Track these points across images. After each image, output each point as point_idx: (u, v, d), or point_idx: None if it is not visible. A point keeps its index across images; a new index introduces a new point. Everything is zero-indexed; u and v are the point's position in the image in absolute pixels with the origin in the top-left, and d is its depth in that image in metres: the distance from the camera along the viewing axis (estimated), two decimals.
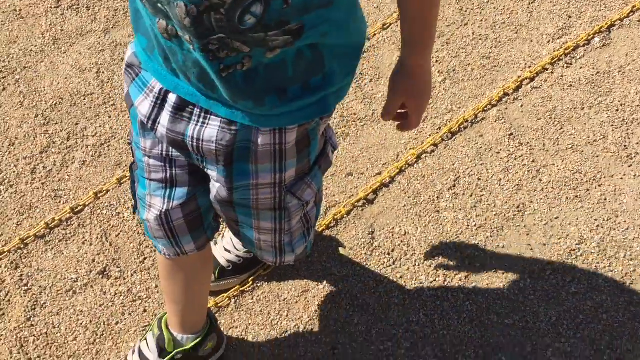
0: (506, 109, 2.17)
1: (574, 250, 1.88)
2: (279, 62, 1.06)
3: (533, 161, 2.06)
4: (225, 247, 1.78)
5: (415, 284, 1.83)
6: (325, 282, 1.82)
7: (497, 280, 1.83)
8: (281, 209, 1.30)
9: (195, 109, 1.16)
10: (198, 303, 1.56)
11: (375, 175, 2.02)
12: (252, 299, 1.79)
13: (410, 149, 2.07)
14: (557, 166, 2.05)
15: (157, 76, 1.16)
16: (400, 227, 1.92)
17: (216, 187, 1.26)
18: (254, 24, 0.97)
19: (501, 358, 1.71)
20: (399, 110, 1.29)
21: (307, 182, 1.30)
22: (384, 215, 1.94)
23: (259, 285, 1.81)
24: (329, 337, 1.73)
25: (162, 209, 1.31)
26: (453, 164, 2.05)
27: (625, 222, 1.92)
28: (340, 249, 1.87)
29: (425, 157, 2.06)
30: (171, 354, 1.56)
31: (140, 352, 1.60)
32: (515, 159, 2.07)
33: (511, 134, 2.11)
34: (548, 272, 1.85)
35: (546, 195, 1.99)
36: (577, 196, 1.99)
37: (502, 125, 2.13)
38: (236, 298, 1.78)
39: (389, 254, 1.88)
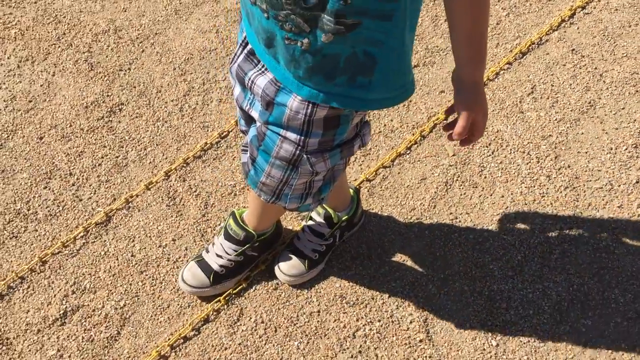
0: (565, 32, 2.54)
1: None
2: (334, 55, 1.22)
3: (595, 68, 2.42)
4: (217, 253, 1.89)
5: (513, 166, 2.18)
6: (438, 169, 2.17)
7: (581, 157, 2.18)
8: (294, 167, 1.47)
9: (260, 61, 1.40)
10: (338, 192, 1.85)
11: None
12: (381, 188, 2.14)
13: (490, 69, 2.44)
14: (617, 70, 2.41)
15: (246, 27, 1.41)
16: (492, 126, 2.28)
17: (257, 126, 1.48)
18: (316, 2, 1.14)
19: None
20: (449, 122, 1.43)
21: (325, 157, 1.45)
22: None
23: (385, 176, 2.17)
24: (447, 209, 2.08)
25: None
26: (528, 77, 2.42)
27: None
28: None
29: (503, 73, 2.43)
30: (338, 223, 1.92)
31: (310, 228, 1.93)
32: (579, 68, 2.43)
33: (573, 50, 2.48)
34: (623, 148, 2.20)
35: (611, 93, 2.35)
36: (637, 91, 2.35)
37: (564, 44, 2.50)
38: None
39: (487, 146, 2.23)
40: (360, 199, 1.99)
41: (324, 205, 1.91)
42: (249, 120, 1.56)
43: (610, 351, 1.79)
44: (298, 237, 1.95)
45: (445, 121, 2.16)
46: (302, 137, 1.40)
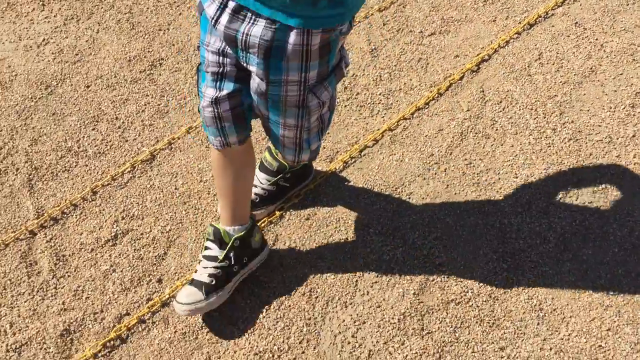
0: (569, 7, 2.77)
1: (639, 92, 2.46)
2: None
3: (596, 39, 2.65)
4: (253, 183, 1.99)
5: (522, 121, 2.39)
6: (454, 122, 2.39)
7: (583, 114, 2.40)
8: (303, 107, 1.59)
9: (248, 13, 1.46)
10: (243, 198, 1.87)
11: (476, 55, 2.61)
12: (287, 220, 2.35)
13: (500, 37, 2.66)
14: (615, 42, 2.64)
15: None
16: (503, 86, 2.50)
17: (256, 81, 1.56)
18: None
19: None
20: None
21: (325, 86, 1.61)
22: (488, 79, 2.52)
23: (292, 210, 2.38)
24: (462, 156, 2.29)
25: (213, 96, 1.62)
26: (535, 45, 2.64)
27: None
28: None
29: (512, 41, 2.66)
30: (230, 243, 1.86)
31: (205, 255, 1.87)
32: (582, 39, 2.66)
33: (576, 23, 2.71)
34: (621, 107, 2.42)
35: (611, 60, 2.57)
36: (634, 59, 2.57)
37: (567, 18, 2.73)
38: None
39: (498, 104, 2.45)
40: (258, 227, 1.95)
41: (213, 223, 1.89)
42: (237, 79, 1.62)
43: (608, 275, 2.00)
44: (195, 270, 1.90)
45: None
46: (303, 72, 1.52)
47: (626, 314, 1.92)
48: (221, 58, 1.59)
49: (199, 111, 1.85)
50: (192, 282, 1.86)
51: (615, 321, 1.90)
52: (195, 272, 1.89)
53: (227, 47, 1.56)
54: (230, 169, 1.81)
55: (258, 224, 2.04)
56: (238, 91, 1.63)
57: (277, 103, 1.60)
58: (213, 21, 1.52)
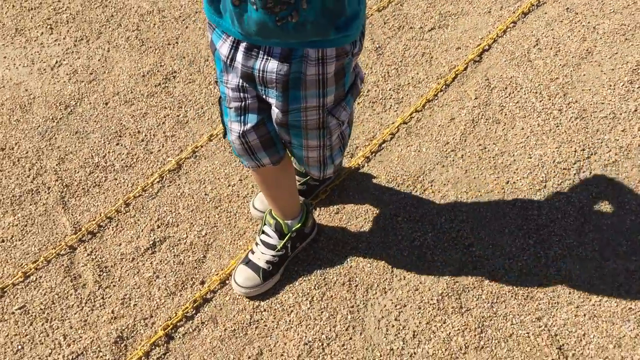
0: None
1: (635, 69, 2.58)
2: (315, 21, 1.39)
3: (588, 22, 2.78)
4: (262, 251, 2.04)
5: (528, 104, 2.50)
6: (464, 110, 2.49)
7: (586, 94, 2.52)
8: (324, 127, 1.65)
9: (261, 50, 1.49)
10: (290, 197, 1.97)
11: (477, 46, 2.72)
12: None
13: (497, 27, 2.78)
14: (607, 23, 2.77)
15: (228, 32, 1.50)
16: (506, 73, 2.61)
17: (275, 112, 1.60)
18: None
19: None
20: None
21: (343, 106, 1.65)
22: (491, 68, 2.63)
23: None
24: (476, 142, 2.39)
25: (240, 130, 1.67)
26: (531, 32, 2.76)
27: None
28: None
29: (509, 30, 2.77)
30: (288, 234, 2.01)
31: (263, 241, 2.02)
32: (575, 23, 2.78)
33: (567, 8, 2.83)
34: (620, 84, 2.54)
35: (605, 41, 2.70)
36: (627, 39, 2.70)
37: (559, 4, 2.86)
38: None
39: (504, 90, 2.56)
40: (310, 211, 2.08)
41: (274, 215, 2.01)
42: (259, 110, 1.66)
43: (629, 242, 2.11)
44: (252, 251, 2.05)
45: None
46: (320, 98, 1.57)
47: None
48: (242, 94, 1.63)
49: (228, 140, 1.92)
50: (249, 264, 2.01)
51: None
52: (252, 253, 2.03)
53: (245, 82, 1.60)
54: (270, 180, 1.89)
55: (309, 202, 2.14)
56: (262, 121, 1.67)
57: (298, 129, 1.65)
58: (228, 60, 1.56)
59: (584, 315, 1.96)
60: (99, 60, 2.70)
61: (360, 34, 1.56)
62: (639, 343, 1.91)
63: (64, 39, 2.78)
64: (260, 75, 1.53)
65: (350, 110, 1.70)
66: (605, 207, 2.20)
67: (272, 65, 1.50)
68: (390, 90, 2.58)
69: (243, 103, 1.64)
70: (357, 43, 1.57)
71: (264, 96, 1.61)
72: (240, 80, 1.59)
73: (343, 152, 1.85)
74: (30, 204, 2.26)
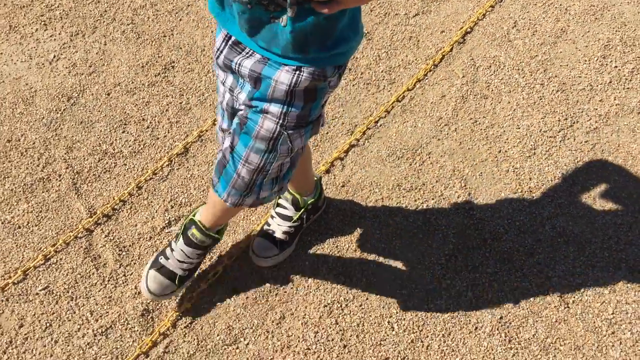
0: None
1: (607, 45, 2.78)
2: (302, 29, 1.40)
3: (560, 4, 2.97)
4: (178, 259, 1.97)
5: (512, 80, 2.67)
6: (454, 88, 2.64)
7: (564, 69, 2.70)
8: (273, 147, 1.59)
9: (246, 48, 1.55)
10: (303, 177, 2.06)
11: (459, 29, 2.88)
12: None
13: (477, 11, 2.94)
14: (577, 4, 2.96)
15: (225, 26, 1.56)
16: (489, 53, 2.77)
17: (242, 108, 1.62)
18: None
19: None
20: None
21: (301, 133, 1.61)
22: (475, 49, 2.79)
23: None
24: (467, 116, 2.54)
25: (219, 125, 1.80)
26: (509, 15, 2.93)
27: (631, 25, 2.85)
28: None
29: (489, 14, 2.94)
30: (304, 206, 2.13)
31: (279, 213, 2.12)
32: (548, 6, 2.97)
33: None
34: (594, 59, 2.73)
35: (576, 21, 2.89)
36: (596, 18, 2.90)
37: None
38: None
39: (488, 68, 2.72)
40: (322, 185, 2.20)
41: (290, 191, 2.10)
42: (232, 116, 1.70)
43: (614, 199, 2.28)
44: (268, 223, 2.14)
45: None
46: (284, 109, 1.54)
47: (637, 227, 2.21)
48: (222, 88, 1.69)
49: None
50: (266, 236, 2.09)
51: (629, 235, 2.19)
52: (268, 225, 2.12)
53: (226, 78, 1.64)
54: None
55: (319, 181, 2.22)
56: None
57: (248, 135, 1.61)
58: (217, 52, 1.62)
59: (580, 265, 2.12)
60: (96, 53, 2.76)
61: (343, 66, 1.57)
62: (632, 288, 2.07)
63: (59, 34, 2.84)
64: (237, 68, 1.58)
65: (304, 143, 1.66)
66: (590, 169, 2.37)
67: (249, 62, 1.54)
68: (382, 72, 2.71)
69: (222, 100, 1.72)
70: (337, 74, 1.55)
71: (239, 90, 1.62)
72: (223, 76, 1.65)
73: (273, 187, 1.72)
74: (43, 192, 2.31)
